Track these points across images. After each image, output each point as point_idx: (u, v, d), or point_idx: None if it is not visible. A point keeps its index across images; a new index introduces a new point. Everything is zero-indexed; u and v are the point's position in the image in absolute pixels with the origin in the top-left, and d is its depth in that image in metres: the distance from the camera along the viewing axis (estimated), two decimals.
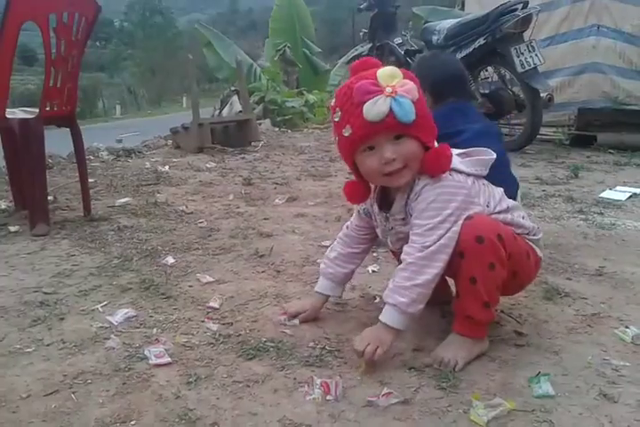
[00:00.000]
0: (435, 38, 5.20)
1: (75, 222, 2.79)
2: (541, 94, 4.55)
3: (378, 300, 1.84)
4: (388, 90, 1.31)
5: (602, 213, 2.94)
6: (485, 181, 1.50)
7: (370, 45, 6.20)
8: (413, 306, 1.39)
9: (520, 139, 4.79)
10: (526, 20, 4.50)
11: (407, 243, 1.44)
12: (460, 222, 1.38)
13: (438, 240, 1.36)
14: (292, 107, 8.04)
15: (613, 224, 2.72)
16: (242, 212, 3.02)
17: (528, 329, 1.64)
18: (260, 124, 7.15)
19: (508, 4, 4.60)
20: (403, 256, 1.41)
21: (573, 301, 1.84)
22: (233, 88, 7.44)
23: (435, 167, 1.39)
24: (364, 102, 1.32)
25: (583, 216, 2.89)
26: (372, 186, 1.55)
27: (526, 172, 4.03)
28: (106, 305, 1.82)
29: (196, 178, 3.89)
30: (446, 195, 1.38)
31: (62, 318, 1.73)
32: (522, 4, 4.57)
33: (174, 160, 4.59)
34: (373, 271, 2.13)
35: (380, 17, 5.97)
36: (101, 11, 2.86)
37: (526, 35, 4.57)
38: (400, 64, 5.72)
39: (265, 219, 2.88)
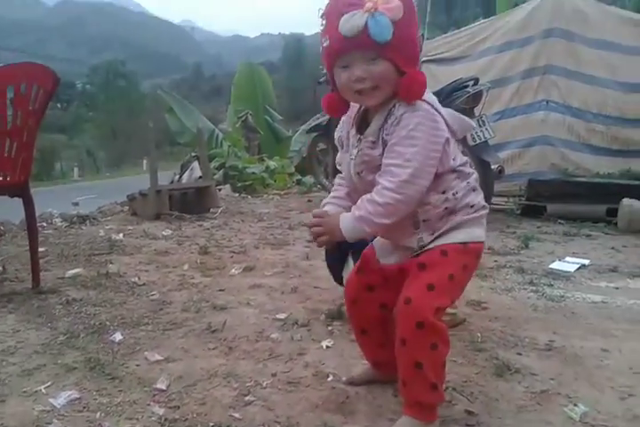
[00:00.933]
0: None
1: (23, 295, 2.71)
2: (492, 166, 4.73)
3: (331, 378, 1.82)
4: (369, 5, 1.29)
5: (551, 285, 3.01)
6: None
7: (328, 117, 6.38)
8: (369, 233, 1.45)
9: None
10: (477, 97, 4.73)
11: (369, 168, 1.45)
12: (435, 163, 1.39)
13: (414, 175, 1.36)
14: (253, 173, 8.16)
15: (562, 296, 2.79)
16: (196, 283, 2.99)
17: (479, 408, 1.64)
18: (219, 189, 7.20)
19: (460, 80, 4.84)
20: (379, 189, 1.38)
21: (523, 377, 1.86)
22: (194, 154, 7.54)
23: (407, 92, 1.38)
24: (343, 14, 1.31)
25: (533, 288, 2.95)
26: (356, 108, 1.53)
27: None
28: (49, 386, 1.75)
29: (150, 246, 3.86)
30: (423, 125, 1.37)
31: (3, 401, 1.66)
32: (473, 81, 4.83)
33: (129, 228, 4.55)
34: (327, 347, 2.11)
35: None
36: (60, 82, 2.89)
37: (477, 109, 4.80)
38: None
39: (220, 290, 2.86)
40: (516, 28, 5.85)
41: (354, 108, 1.53)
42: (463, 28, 6.69)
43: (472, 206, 1.49)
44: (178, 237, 4.23)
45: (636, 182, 4.87)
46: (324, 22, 1.38)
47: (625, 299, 2.78)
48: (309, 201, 6.54)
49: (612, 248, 3.92)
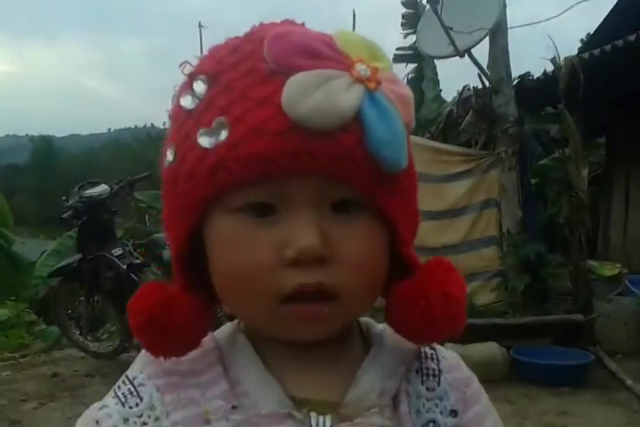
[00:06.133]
0: (167, 254, 4.08)
1: None
2: None
3: None
4: (361, 71, 0.48)
5: None
6: None
7: (80, 256, 4.77)
8: None
9: None
10: None
11: None
12: None
13: None
14: None
15: None
16: None
17: None
18: None
19: None
20: None
21: None
22: None
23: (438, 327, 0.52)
24: (293, 72, 0.45)
25: None
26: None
27: None
28: None
29: None
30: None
31: None
32: None
33: None
34: None
35: (91, 225, 4.64)
36: None
37: None
38: (122, 281, 4.42)
39: None
40: None
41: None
42: None
43: None
44: None
45: None
46: (204, 92, 0.47)
47: None
48: (54, 376, 4.62)
49: None
